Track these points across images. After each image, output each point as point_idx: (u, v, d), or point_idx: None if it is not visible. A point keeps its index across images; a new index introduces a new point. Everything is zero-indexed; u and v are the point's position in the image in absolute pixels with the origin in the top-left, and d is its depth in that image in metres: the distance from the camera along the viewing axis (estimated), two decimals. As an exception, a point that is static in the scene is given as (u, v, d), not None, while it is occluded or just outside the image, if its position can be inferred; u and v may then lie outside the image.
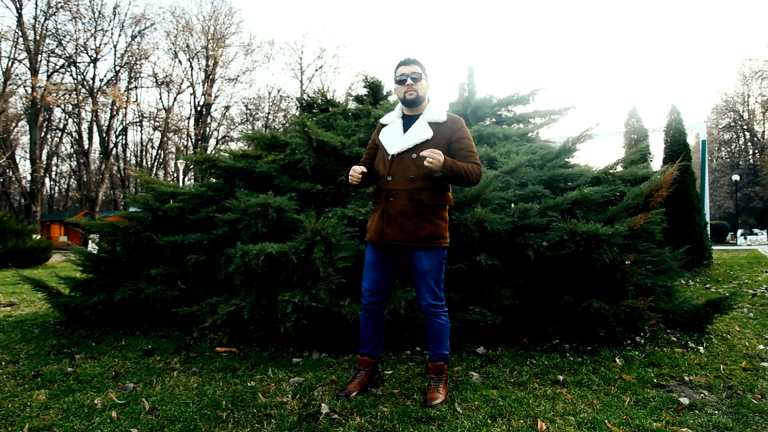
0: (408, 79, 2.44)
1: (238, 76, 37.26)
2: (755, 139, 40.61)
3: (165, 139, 37.09)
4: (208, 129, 37.06)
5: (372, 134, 2.73)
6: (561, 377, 2.70)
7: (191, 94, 35.79)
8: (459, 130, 2.45)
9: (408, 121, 2.52)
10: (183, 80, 35.47)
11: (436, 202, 2.42)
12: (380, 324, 2.58)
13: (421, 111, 2.51)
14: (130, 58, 31.47)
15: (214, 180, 4.63)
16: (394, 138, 2.49)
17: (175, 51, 34.68)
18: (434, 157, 2.22)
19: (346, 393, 2.43)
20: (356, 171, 2.44)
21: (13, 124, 31.74)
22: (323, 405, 2.28)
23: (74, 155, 39.05)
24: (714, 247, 12.55)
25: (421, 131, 2.43)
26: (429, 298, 2.41)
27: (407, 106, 2.52)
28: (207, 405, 2.34)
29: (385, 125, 2.60)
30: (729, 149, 43.11)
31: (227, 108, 37.96)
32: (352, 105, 5.48)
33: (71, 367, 3.00)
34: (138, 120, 36.36)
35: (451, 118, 2.48)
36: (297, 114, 5.78)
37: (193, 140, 35.44)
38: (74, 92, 30.02)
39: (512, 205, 3.72)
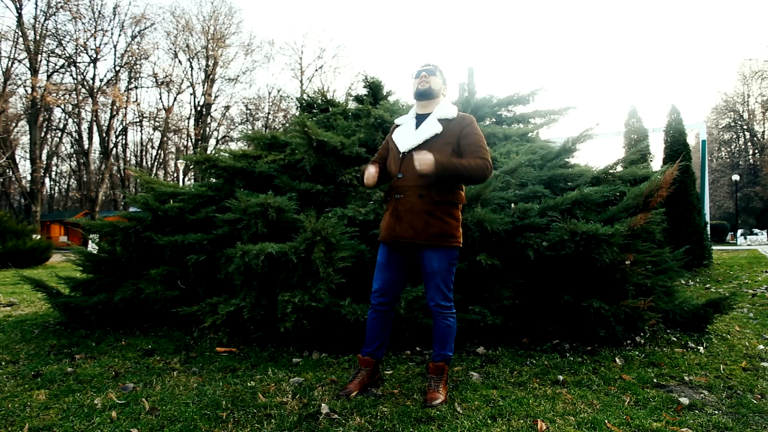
0: (423, 72, 2.52)
1: (238, 76, 37.28)
2: (755, 139, 40.60)
3: (165, 139, 37.09)
4: (208, 129, 37.06)
5: (386, 135, 2.76)
6: (561, 377, 2.70)
7: (191, 94, 35.83)
8: (468, 126, 2.47)
9: (421, 120, 2.55)
10: (183, 80, 35.50)
11: (447, 200, 2.41)
12: (387, 324, 2.57)
13: (432, 109, 2.55)
14: (130, 58, 31.47)
15: (214, 180, 4.63)
16: (406, 136, 2.52)
17: (175, 51, 34.70)
18: (424, 160, 2.23)
19: (346, 393, 2.43)
20: (371, 171, 2.46)
21: (13, 124, 31.73)
22: (323, 405, 2.28)
23: (74, 155, 39.07)
24: (714, 247, 12.54)
25: (430, 127, 2.46)
26: (438, 299, 2.41)
27: (419, 99, 2.55)
28: (207, 405, 2.34)
29: (399, 126, 2.64)
30: (729, 149, 43.10)
31: (227, 108, 37.97)
32: (352, 105, 5.48)
33: (71, 367, 3.00)
34: (138, 120, 36.38)
35: (461, 115, 2.51)
36: (297, 114, 5.78)
37: (193, 140, 35.42)
38: (74, 92, 30.01)
39: (512, 205, 3.72)
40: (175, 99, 35.55)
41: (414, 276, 3.31)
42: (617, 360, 3.03)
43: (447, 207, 2.42)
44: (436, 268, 2.38)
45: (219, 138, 37.63)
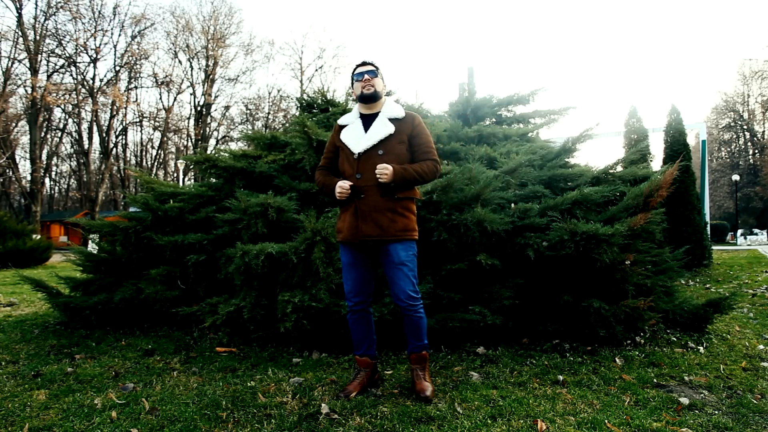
0: (365, 75, 2.56)
1: (238, 76, 37.28)
2: (755, 139, 40.60)
3: (165, 139, 37.09)
4: (208, 129, 37.05)
5: (330, 137, 2.75)
6: (561, 377, 2.70)
7: (191, 94, 35.83)
8: (417, 126, 2.56)
9: (367, 120, 2.59)
10: (183, 80, 35.50)
11: (406, 195, 2.51)
12: (369, 322, 2.61)
13: (378, 109, 2.60)
14: (130, 58, 31.47)
15: (214, 180, 4.63)
16: (357, 137, 2.55)
17: (175, 51, 34.70)
18: (383, 172, 2.38)
19: (345, 393, 2.44)
20: (344, 187, 2.46)
21: (13, 124, 31.72)
22: (323, 405, 2.28)
23: (74, 155, 39.07)
24: (714, 247, 12.55)
25: (383, 127, 2.52)
26: (409, 290, 2.44)
27: (365, 102, 2.59)
28: (207, 405, 2.34)
29: (344, 126, 2.66)
30: (729, 149, 43.10)
31: (227, 108, 37.96)
32: (352, 105, 5.48)
33: (71, 367, 3.00)
34: (138, 120, 36.38)
35: (409, 114, 2.59)
36: (297, 114, 5.78)
37: (193, 140, 35.42)
38: (74, 92, 30.01)
39: (512, 205, 3.72)
40: (175, 99, 35.57)
41: None
42: (617, 360, 3.03)
43: (407, 202, 2.51)
44: (403, 258, 2.45)
45: (219, 138, 37.63)
